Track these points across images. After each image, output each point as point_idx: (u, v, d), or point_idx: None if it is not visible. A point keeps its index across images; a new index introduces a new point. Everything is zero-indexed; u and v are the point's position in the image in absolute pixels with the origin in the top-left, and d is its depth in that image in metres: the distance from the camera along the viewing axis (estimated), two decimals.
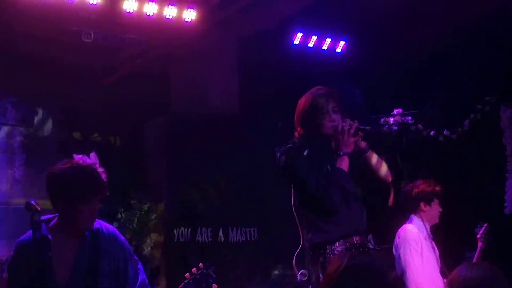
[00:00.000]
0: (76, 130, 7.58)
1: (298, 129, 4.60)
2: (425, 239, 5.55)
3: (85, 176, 3.58)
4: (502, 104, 7.16)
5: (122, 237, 3.83)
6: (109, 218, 7.36)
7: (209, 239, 6.70)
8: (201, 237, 6.67)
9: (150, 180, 7.20)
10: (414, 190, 5.55)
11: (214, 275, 3.83)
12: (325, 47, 7.44)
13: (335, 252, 4.36)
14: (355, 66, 7.52)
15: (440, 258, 5.63)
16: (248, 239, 6.81)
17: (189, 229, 6.64)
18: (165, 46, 7.47)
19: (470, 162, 7.16)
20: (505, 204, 7.05)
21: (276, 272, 6.72)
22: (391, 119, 4.73)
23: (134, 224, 7.24)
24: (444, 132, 7.03)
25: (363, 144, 4.46)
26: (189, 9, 6.83)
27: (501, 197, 7.08)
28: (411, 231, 5.44)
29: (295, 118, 4.63)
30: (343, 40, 7.47)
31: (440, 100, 7.17)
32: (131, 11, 6.61)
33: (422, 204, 5.56)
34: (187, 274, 3.82)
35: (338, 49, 7.46)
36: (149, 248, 6.90)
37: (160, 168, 7.03)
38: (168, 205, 6.86)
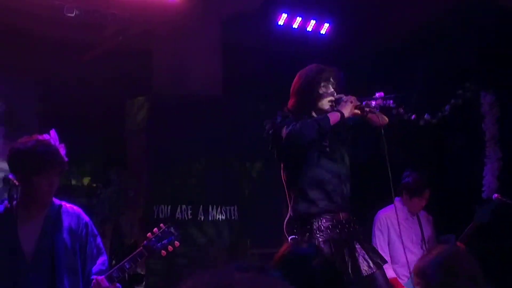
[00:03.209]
0: (56, 105, 7.50)
1: (292, 100, 4.61)
2: (404, 220, 5.74)
3: (41, 149, 3.80)
4: (482, 90, 7.23)
5: (86, 217, 4.03)
6: (89, 193, 7.36)
7: (189, 217, 6.70)
8: (181, 215, 6.67)
9: (131, 158, 7.17)
10: (404, 178, 5.75)
11: (175, 233, 3.94)
12: (309, 28, 7.43)
13: (322, 227, 4.40)
14: (338, 48, 7.53)
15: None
16: (228, 217, 6.82)
17: (169, 207, 6.64)
18: (148, 24, 7.42)
19: (450, 147, 7.23)
20: (483, 189, 7.15)
21: None
22: (373, 102, 4.73)
23: (113, 200, 7.23)
24: (425, 117, 7.09)
25: (360, 113, 4.51)
26: None
27: (479, 182, 7.17)
28: (379, 215, 5.92)
29: (292, 88, 4.64)
30: (327, 22, 7.46)
31: (422, 84, 7.21)
32: None
33: (404, 193, 5.77)
34: (149, 234, 3.92)
35: (323, 31, 7.46)
36: (128, 224, 6.89)
37: (141, 146, 7.00)
38: (148, 182, 6.84)
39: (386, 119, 4.61)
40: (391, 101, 4.72)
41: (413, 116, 6.92)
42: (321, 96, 4.58)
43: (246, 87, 7.46)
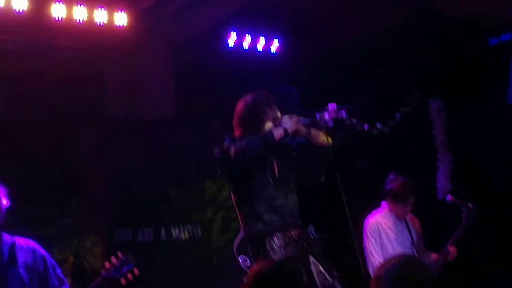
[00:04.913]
0: (8, 136, 7.41)
1: (238, 129, 4.70)
2: (393, 225, 5.79)
3: None
4: (430, 97, 7.41)
5: (42, 250, 4.05)
6: (46, 224, 7.27)
7: (152, 239, 6.68)
8: (143, 238, 6.65)
9: (88, 185, 7.13)
10: (388, 183, 5.81)
11: (133, 261, 3.97)
12: (260, 47, 7.52)
13: (275, 247, 4.47)
14: (289, 65, 7.64)
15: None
16: (191, 236, 6.81)
17: (130, 230, 6.62)
18: (97, 50, 7.40)
19: (403, 154, 7.38)
20: (437, 191, 7.32)
21: None
22: (326, 114, 4.83)
23: (73, 228, 7.17)
24: (377, 126, 7.21)
25: (304, 130, 4.61)
26: (119, 11, 6.78)
27: (432, 185, 7.35)
28: (368, 220, 5.93)
29: (234, 120, 4.74)
30: (276, 38, 7.56)
31: (373, 94, 7.36)
32: (59, 18, 6.46)
33: (388, 198, 5.83)
34: (106, 263, 3.93)
35: (273, 49, 7.55)
36: (90, 251, 6.83)
37: (98, 172, 6.97)
38: (108, 208, 6.81)
39: (330, 139, 4.69)
40: (343, 112, 4.83)
41: (366, 126, 7.03)
42: (265, 120, 4.69)
43: (199, 107, 7.49)
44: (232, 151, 4.49)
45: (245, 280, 3.05)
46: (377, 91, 7.40)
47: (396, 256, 3.35)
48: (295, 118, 4.68)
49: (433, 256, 6.01)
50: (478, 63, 7.14)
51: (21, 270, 3.88)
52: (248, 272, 3.09)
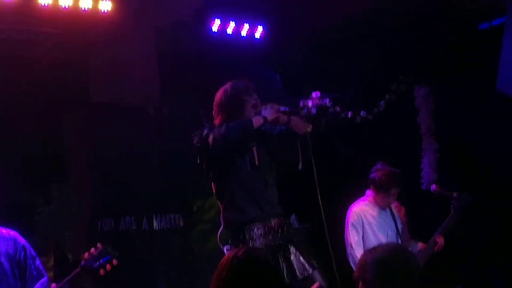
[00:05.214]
0: None
1: (219, 117, 4.68)
2: (377, 214, 5.79)
3: None
4: (416, 84, 7.39)
5: (22, 240, 4.10)
6: (30, 212, 7.25)
7: (133, 228, 6.68)
8: (125, 226, 6.64)
9: (72, 172, 7.11)
10: (372, 172, 5.79)
11: (112, 252, 4.03)
12: (243, 33, 7.47)
13: (254, 236, 4.47)
14: (273, 51, 7.59)
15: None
16: (173, 225, 6.81)
17: (113, 219, 6.61)
18: (82, 37, 7.36)
19: (387, 142, 7.36)
20: (422, 181, 7.31)
21: None
22: (310, 102, 4.81)
23: (56, 217, 7.15)
24: (361, 114, 7.21)
25: (284, 118, 4.60)
26: (104, 1, 6.77)
27: (417, 175, 7.33)
28: (351, 209, 5.92)
29: (214, 109, 4.72)
30: (260, 25, 7.51)
31: (357, 82, 7.33)
32: (46, 4, 6.48)
33: (371, 187, 5.82)
34: (85, 254, 4.00)
35: (257, 35, 7.49)
36: (72, 240, 6.83)
37: (81, 159, 6.95)
38: (91, 196, 6.79)
39: (310, 126, 4.68)
40: (327, 100, 4.82)
41: (349, 114, 7.02)
42: (245, 108, 4.68)
43: (184, 93, 7.46)
44: (210, 138, 4.47)
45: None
46: (363, 78, 7.36)
47: (382, 244, 3.37)
48: (275, 106, 4.67)
49: (420, 245, 6.01)
50: (467, 49, 7.07)
51: (2, 259, 3.91)
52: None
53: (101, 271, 4.05)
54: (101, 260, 4.05)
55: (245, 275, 2.80)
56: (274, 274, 2.93)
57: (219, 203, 4.71)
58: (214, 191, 4.73)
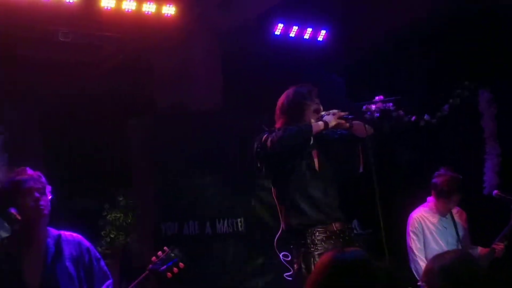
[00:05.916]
0: (58, 128, 7.55)
1: (281, 120, 4.68)
2: (438, 220, 5.72)
3: (16, 177, 3.93)
4: (480, 88, 7.26)
5: (87, 243, 4.11)
6: (95, 216, 7.39)
7: (196, 232, 6.71)
8: (189, 231, 6.69)
9: (136, 177, 7.19)
10: (435, 177, 5.72)
11: (179, 256, 4.06)
12: (306, 36, 7.44)
13: (316, 241, 4.44)
14: (336, 54, 7.56)
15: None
16: (235, 230, 6.83)
17: (177, 223, 6.66)
18: (145, 41, 7.46)
19: (450, 146, 7.26)
20: (484, 185, 7.18)
21: None
22: (373, 106, 4.80)
23: (121, 221, 7.26)
24: (425, 117, 7.12)
25: (345, 125, 4.58)
26: (168, 5, 6.83)
27: (480, 179, 7.20)
28: (411, 216, 5.85)
29: (276, 113, 4.73)
30: (324, 29, 7.47)
31: (420, 86, 7.24)
32: (109, 7, 6.57)
33: (432, 192, 5.75)
34: (153, 257, 4.04)
35: (320, 38, 7.45)
36: (137, 244, 6.92)
37: (146, 164, 7.02)
38: (155, 200, 6.86)
39: (371, 129, 4.63)
40: (391, 104, 4.80)
41: (413, 118, 6.94)
42: (306, 113, 4.66)
43: (247, 98, 7.48)
44: (268, 141, 4.48)
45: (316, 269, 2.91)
46: (426, 82, 7.27)
47: (450, 251, 3.32)
48: (337, 114, 4.64)
49: (480, 250, 5.91)
50: None
51: (68, 263, 3.96)
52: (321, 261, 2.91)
53: (168, 274, 4.07)
54: (168, 263, 4.07)
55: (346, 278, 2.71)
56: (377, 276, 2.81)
57: (278, 206, 4.70)
58: (274, 195, 4.72)
